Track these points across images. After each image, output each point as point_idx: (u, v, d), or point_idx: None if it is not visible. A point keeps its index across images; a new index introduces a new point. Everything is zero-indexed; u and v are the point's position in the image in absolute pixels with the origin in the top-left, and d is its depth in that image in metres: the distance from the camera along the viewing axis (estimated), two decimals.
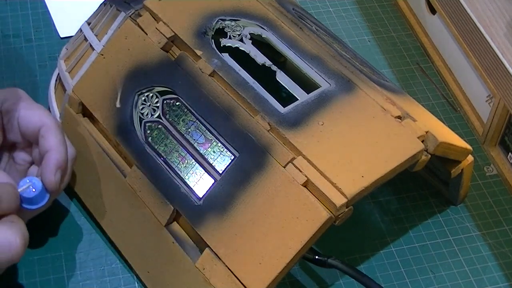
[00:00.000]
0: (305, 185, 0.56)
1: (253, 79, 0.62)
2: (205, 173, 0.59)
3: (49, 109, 0.70)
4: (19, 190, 0.57)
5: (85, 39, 0.69)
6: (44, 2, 0.87)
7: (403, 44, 0.87)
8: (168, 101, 0.62)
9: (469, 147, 0.65)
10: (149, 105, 0.63)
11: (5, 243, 0.54)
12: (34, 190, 0.58)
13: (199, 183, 0.59)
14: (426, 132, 0.60)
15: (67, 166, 0.61)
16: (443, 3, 0.78)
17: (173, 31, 0.65)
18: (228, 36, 0.65)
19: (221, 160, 0.59)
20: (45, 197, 0.59)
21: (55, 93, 0.70)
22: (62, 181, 0.60)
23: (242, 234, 0.56)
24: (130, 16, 0.67)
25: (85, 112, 0.66)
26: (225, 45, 0.65)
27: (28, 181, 0.58)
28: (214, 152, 0.59)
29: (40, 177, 0.59)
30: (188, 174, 0.60)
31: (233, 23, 0.66)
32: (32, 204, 0.59)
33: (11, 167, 0.63)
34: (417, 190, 0.73)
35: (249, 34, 0.66)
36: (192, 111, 0.61)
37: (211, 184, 0.59)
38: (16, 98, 0.62)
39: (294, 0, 0.77)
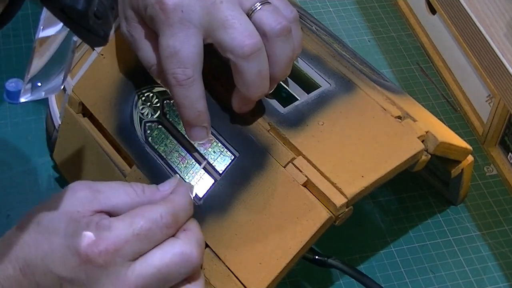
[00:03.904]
0: (305, 185, 0.56)
1: None
2: (205, 173, 0.59)
3: (49, 109, 0.70)
4: None
5: None
6: None
7: (403, 44, 0.87)
8: (168, 101, 0.62)
9: (469, 147, 0.65)
10: (149, 105, 0.63)
11: (185, 258, 0.52)
12: None
13: (199, 183, 0.59)
14: (426, 132, 0.60)
15: None
16: (443, 3, 0.78)
17: None
18: None
19: (221, 160, 0.59)
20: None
21: None
22: None
23: (242, 234, 0.56)
24: None
25: (85, 112, 0.66)
26: None
27: None
28: (214, 152, 0.59)
29: None
30: (188, 174, 0.60)
31: None
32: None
33: None
34: (417, 190, 0.73)
35: None
36: None
37: (211, 184, 0.58)
38: None
39: (294, 0, 0.77)
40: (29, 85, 0.50)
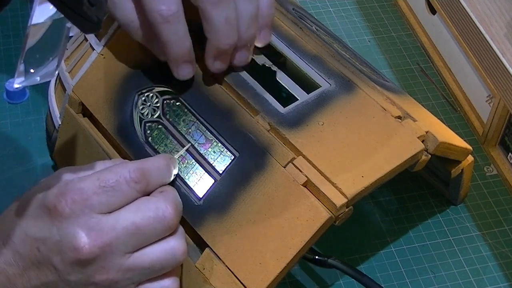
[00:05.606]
0: (305, 185, 0.56)
1: (253, 79, 0.62)
2: (205, 173, 0.59)
3: (49, 109, 0.70)
4: None
5: (85, 39, 0.69)
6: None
7: (403, 44, 0.87)
8: (168, 101, 0.62)
9: (469, 147, 0.65)
10: (149, 105, 0.63)
11: (159, 213, 0.53)
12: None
13: (199, 183, 0.59)
14: (426, 132, 0.60)
15: None
16: (443, 3, 0.78)
17: None
18: None
19: (221, 160, 0.59)
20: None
21: (55, 93, 0.70)
22: None
23: (242, 234, 0.56)
24: None
25: (85, 112, 0.66)
26: None
27: None
28: (214, 152, 0.59)
29: None
30: (188, 174, 0.60)
31: None
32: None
33: None
34: (417, 190, 0.73)
35: None
36: (193, 111, 0.61)
37: (211, 184, 0.58)
38: None
39: (294, 0, 0.77)
40: (22, 68, 0.51)
